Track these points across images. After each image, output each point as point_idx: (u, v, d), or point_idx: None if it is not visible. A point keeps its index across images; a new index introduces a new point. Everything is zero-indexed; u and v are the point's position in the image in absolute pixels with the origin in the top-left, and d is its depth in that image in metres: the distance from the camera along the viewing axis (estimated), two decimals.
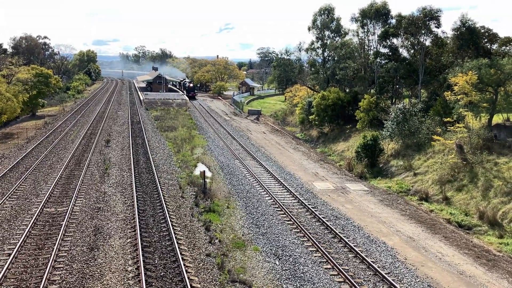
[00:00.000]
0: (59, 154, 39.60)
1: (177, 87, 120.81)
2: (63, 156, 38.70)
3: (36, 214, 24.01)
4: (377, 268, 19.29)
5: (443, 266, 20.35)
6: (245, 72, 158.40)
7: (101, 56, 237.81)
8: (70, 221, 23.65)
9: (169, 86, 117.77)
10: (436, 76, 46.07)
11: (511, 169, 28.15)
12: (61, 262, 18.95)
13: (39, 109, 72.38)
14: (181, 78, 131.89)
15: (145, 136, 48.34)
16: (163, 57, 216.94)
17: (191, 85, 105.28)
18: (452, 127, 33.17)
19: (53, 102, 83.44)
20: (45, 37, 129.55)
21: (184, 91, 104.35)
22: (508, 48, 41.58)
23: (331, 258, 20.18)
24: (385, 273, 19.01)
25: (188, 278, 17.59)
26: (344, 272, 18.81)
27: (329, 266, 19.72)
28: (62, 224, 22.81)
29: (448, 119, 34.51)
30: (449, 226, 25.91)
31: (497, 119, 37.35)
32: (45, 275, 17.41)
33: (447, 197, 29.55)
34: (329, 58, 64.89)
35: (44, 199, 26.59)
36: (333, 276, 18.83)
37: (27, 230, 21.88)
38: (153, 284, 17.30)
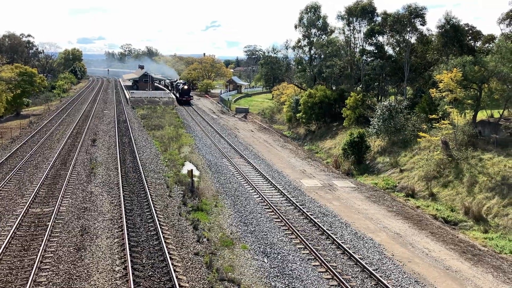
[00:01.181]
0: (45, 154, 39.15)
1: (169, 88, 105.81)
2: (49, 156, 38.27)
3: (21, 215, 23.71)
4: (365, 265, 19.43)
5: (429, 261, 20.57)
6: (232, 70, 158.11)
7: (87, 55, 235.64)
8: (56, 221, 23.41)
9: (155, 84, 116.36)
10: (421, 74, 46.54)
11: (495, 165, 28.54)
12: (48, 263, 18.76)
13: (24, 108, 71.47)
14: (172, 78, 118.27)
15: (131, 135, 48.02)
16: (149, 55, 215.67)
17: (186, 87, 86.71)
18: (438, 124, 33.50)
19: (38, 101, 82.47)
20: (29, 35, 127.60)
21: (177, 94, 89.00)
22: (491, 45, 42.14)
23: (319, 255, 20.28)
24: (373, 270, 19.16)
25: (176, 277, 17.54)
26: (332, 269, 18.91)
27: (317, 263, 19.82)
28: (48, 224, 22.57)
29: (434, 116, 34.86)
30: (435, 222, 26.20)
31: (482, 115, 37.83)
32: (31, 276, 17.22)
33: (433, 193, 29.86)
34: (316, 56, 65.08)
35: (30, 200, 26.27)
36: (321, 273, 18.92)
37: (12, 231, 21.59)
38: (141, 284, 17.22)
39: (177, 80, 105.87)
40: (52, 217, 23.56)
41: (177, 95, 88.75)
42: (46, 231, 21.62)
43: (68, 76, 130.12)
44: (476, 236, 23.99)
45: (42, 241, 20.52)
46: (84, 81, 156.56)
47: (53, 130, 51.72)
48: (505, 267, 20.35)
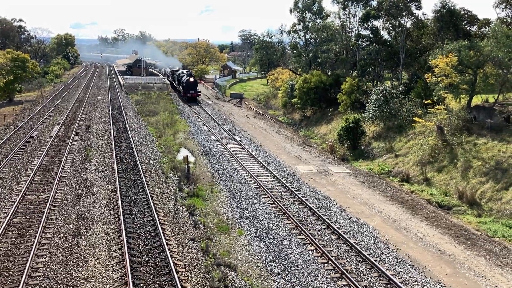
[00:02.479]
0: (39, 141, 38.97)
1: (169, 79, 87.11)
2: (43, 143, 38.10)
3: (17, 202, 23.68)
4: (360, 249, 19.62)
5: (423, 245, 20.80)
6: (226, 55, 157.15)
7: (79, 40, 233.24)
8: (52, 208, 23.41)
9: (149, 69, 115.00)
10: (417, 58, 46.48)
11: (489, 149, 28.72)
12: (44, 250, 18.80)
13: (17, 94, 70.87)
14: (174, 66, 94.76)
15: (126, 121, 47.82)
16: (143, 40, 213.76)
17: (191, 79, 67.44)
18: (433, 109, 33.59)
19: (31, 87, 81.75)
20: (21, 20, 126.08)
21: (179, 87, 71.81)
22: (487, 29, 42.07)
23: (314, 240, 20.43)
24: (368, 254, 19.34)
25: (173, 262, 17.64)
26: (328, 254, 19.08)
27: (312, 248, 19.98)
28: (44, 211, 22.57)
29: (429, 101, 34.92)
30: (429, 206, 26.42)
31: (476, 100, 37.95)
32: (28, 263, 17.26)
33: (427, 178, 30.07)
34: (311, 40, 64.81)
35: (25, 186, 26.22)
36: (316, 258, 19.09)
37: (8, 218, 21.58)
38: (138, 269, 17.32)
39: (179, 69, 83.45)
40: (48, 203, 23.55)
41: (180, 88, 71.28)
42: (42, 218, 21.63)
43: (61, 61, 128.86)
44: (470, 220, 24.24)
45: (38, 228, 20.53)
46: (77, 67, 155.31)
47: (46, 116, 51.40)
48: (498, 250, 20.61)
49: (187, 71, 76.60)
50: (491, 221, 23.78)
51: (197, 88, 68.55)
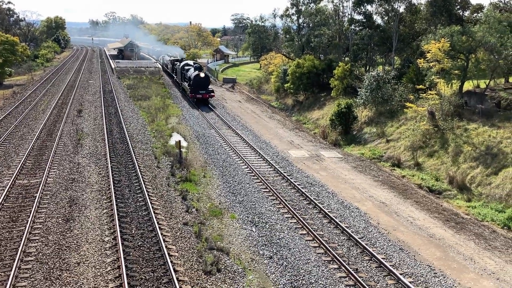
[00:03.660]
0: (30, 125, 38.68)
1: (168, 71, 75.49)
2: (34, 127, 37.83)
3: (8, 186, 23.58)
4: (351, 233, 19.83)
5: (414, 229, 21.06)
6: (219, 39, 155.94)
7: (70, 23, 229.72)
8: (44, 192, 23.36)
9: (141, 53, 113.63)
10: (409, 44, 46.41)
11: (480, 135, 28.96)
12: (37, 234, 18.81)
13: (6, 78, 70.00)
14: (174, 55, 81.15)
15: (118, 106, 47.54)
16: (135, 23, 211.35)
17: (202, 75, 51.29)
18: (425, 94, 33.68)
19: (21, 70, 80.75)
20: (9, 2, 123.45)
21: (185, 85, 55.57)
22: (479, 15, 42.06)
23: (306, 224, 20.61)
24: (359, 238, 19.57)
25: (166, 247, 17.74)
26: (319, 237, 19.28)
27: (304, 232, 20.17)
28: (36, 196, 22.51)
29: (421, 86, 34.99)
30: (420, 191, 26.69)
31: (468, 86, 38.09)
32: (20, 247, 17.28)
33: (418, 163, 30.30)
34: (304, 25, 64.41)
35: (16, 171, 26.09)
36: (308, 242, 19.29)
37: None
38: (131, 253, 17.40)
39: (183, 60, 68.45)
40: (40, 188, 23.49)
41: (184, 85, 55.44)
42: (34, 203, 21.59)
43: (51, 45, 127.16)
44: (460, 205, 24.55)
45: (30, 213, 20.51)
46: (68, 50, 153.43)
47: (37, 100, 50.93)
48: (487, 234, 20.93)
49: (194, 63, 58.45)
50: (480, 205, 24.09)
51: (209, 87, 51.46)
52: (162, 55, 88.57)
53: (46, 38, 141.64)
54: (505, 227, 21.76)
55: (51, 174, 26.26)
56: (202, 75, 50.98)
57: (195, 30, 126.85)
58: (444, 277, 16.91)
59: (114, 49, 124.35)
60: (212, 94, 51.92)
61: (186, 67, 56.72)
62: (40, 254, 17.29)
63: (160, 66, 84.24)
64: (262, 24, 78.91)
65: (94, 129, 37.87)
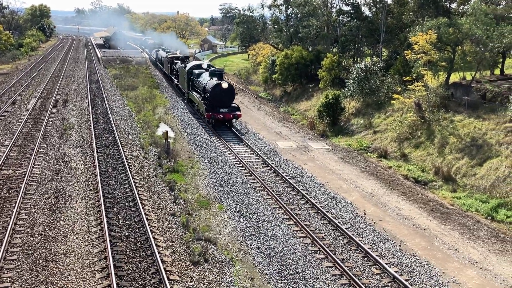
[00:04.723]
0: (14, 115, 38.14)
1: (163, 69, 62.73)
2: (19, 117, 37.31)
3: None
4: (337, 223, 19.99)
5: (400, 220, 21.30)
6: (207, 29, 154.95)
7: (55, 11, 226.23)
8: (29, 183, 23.11)
9: (128, 43, 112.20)
10: (397, 35, 46.59)
11: (465, 126, 29.29)
12: (22, 225, 18.63)
13: None
14: (170, 50, 64.92)
15: (104, 96, 47.06)
16: (122, 12, 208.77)
17: (225, 85, 35.08)
18: (411, 86, 33.92)
19: (5, 59, 79.41)
20: None
21: (196, 96, 39.27)
22: (466, 7, 42.31)
23: (293, 214, 20.71)
24: (345, 228, 19.73)
25: (153, 237, 17.71)
26: (306, 228, 19.40)
27: (291, 222, 20.28)
28: (21, 186, 22.27)
29: (408, 78, 35.22)
30: (406, 182, 26.96)
31: (454, 78, 38.42)
32: (6, 238, 17.11)
33: (405, 154, 30.57)
34: (292, 15, 64.26)
35: (1, 161, 25.75)
36: (295, 232, 19.40)
37: None
38: (118, 244, 17.34)
39: (187, 58, 52.32)
40: (25, 179, 23.23)
41: (195, 97, 39.35)
42: (19, 193, 21.36)
43: (36, 33, 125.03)
44: (445, 195, 24.86)
45: (15, 203, 20.29)
46: (53, 39, 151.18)
47: (22, 90, 50.19)
48: (471, 224, 21.26)
49: (208, 66, 42.52)
50: (465, 196, 24.44)
51: (233, 103, 36.08)
52: (156, 49, 73.91)
53: (31, 27, 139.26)
54: (488, 217, 22.13)
55: (37, 165, 25.98)
56: (224, 85, 34.51)
57: (182, 19, 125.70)
58: (429, 266, 17.16)
59: (100, 38, 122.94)
60: (238, 113, 35.49)
61: (197, 71, 40.74)
62: (26, 245, 17.15)
63: (147, 56, 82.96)
64: (251, 14, 78.48)
65: (80, 119, 37.48)
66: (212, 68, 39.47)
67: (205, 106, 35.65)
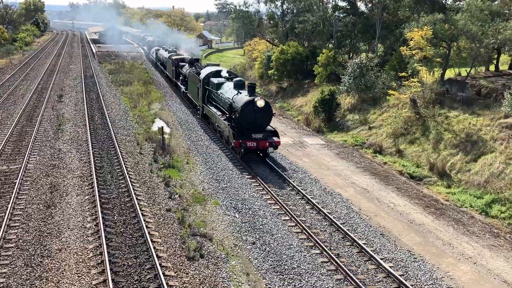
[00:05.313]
0: (9, 110, 37.93)
1: (171, 76, 50.71)
2: (13, 112, 37.11)
3: None
4: (333, 219, 20.04)
5: (395, 215, 21.39)
6: (202, 24, 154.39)
7: (50, 6, 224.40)
8: (24, 179, 23.02)
9: (123, 38, 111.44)
10: (392, 31, 46.55)
11: (460, 122, 29.39)
12: (17, 221, 18.57)
13: None
14: (172, 50, 56.41)
15: (99, 91, 46.88)
16: (117, 7, 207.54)
17: (261, 103, 26.42)
18: (407, 82, 33.97)
19: None
20: None
21: (220, 118, 29.58)
22: (462, 3, 42.35)
23: (289, 210, 20.75)
24: (340, 223, 19.79)
25: (149, 233, 17.71)
26: (302, 223, 19.44)
27: (287, 218, 20.31)
28: (15, 182, 22.18)
29: (403, 74, 35.25)
30: (401, 177, 27.05)
31: (449, 74, 38.51)
32: (0, 233, 17.05)
33: (400, 149, 30.66)
34: (288, 11, 64.09)
35: None
36: (291, 227, 19.44)
37: None
38: (113, 240, 17.32)
39: (197, 61, 43.84)
40: (20, 174, 23.14)
41: (216, 115, 30.89)
42: (14, 189, 21.27)
43: (30, 28, 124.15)
44: (440, 191, 24.97)
45: (10, 199, 20.21)
46: (47, 34, 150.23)
47: (16, 85, 49.90)
48: (465, 220, 21.38)
49: (230, 74, 33.73)
50: (459, 191, 24.55)
51: (269, 125, 28.29)
52: (156, 48, 66.31)
53: (25, 21, 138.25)
54: (482, 213, 22.25)
55: (32, 160, 25.87)
56: (260, 103, 26.34)
57: (178, 14, 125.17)
58: (424, 261, 17.25)
59: (95, 33, 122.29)
60: (277, 139, 27.33)
61: (215, 81, 31.97)
62: (21, 240, 17.10)
63: (142, 51, 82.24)
64: (246, 9, 78.21)
65: (75, 114, 37.33)
66: (238, 78, 31.21)
67: (232, 130, 27.16)
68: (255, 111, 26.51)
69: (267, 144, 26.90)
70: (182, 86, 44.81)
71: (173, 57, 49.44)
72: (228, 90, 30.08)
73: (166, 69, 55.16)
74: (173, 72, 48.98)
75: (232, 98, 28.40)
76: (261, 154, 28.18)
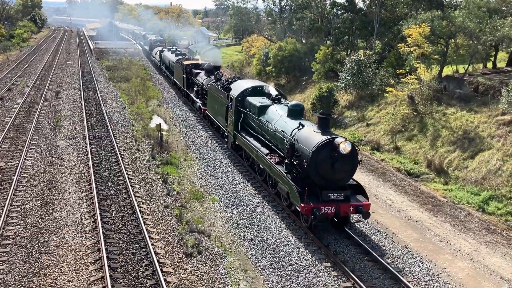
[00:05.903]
0: (6, 106, 37.83)
1: (179, 82, 43.96)
2: (11, 109, 37.02)
3: None
4: None
5: (392, 212, 21.44)
6: (200, 21, 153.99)
7: (47, 2, 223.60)
8: (21, 175, 22.99)
9: (120, 34, 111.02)
10: (390, 28, 46.56)
11: (458, 119, 29.43)
12: (14, 217, 18.55)
13: None
14: (178, 50, 52.13)
15: (97, 87, 46.78)
16: (114, 3, 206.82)
17: (346, 146, 16.82)
18: (405, 79, 33.96)
19: None
20: None
21: (271, 160, 20.27)
22: (459, 0, 42.33)
23: (286, 207, 20.75)
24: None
25: (147, 229, 17.72)
26: (300, 220, 19.45)
27: (285, 215, 20.34)
28: (13, 179, 22.15)
29: (401, 70, 35.25)
30: (398, 174, 27.11)
31: (447, 71, 38.52)
32: None
33: (397, 146, 30.70)
34: (286, 7, 64.05)
35: None
36: (288, 224, 19.46)
37: None
38: (111, 236, 17.33)
39: (218, 68, 35.85)
40: (17, 171, 23.10)
41: (269, 160, 20.47)
42: (11, 186, 21.25)
43: (27, 24, 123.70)
44: (437, 188, 25.03)
45: (7, 196, 20.19)
46: (45, 30, 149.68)
47: (14, 81, 49.75)
48: (462, 216, 21.45)
49: (281, 96, 24.43)
50: (457, 188, 24.61)
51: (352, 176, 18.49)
52: (159, 49, 59.97)
53: (22, 17, 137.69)
54: (479, 210, 22.31)
55: (29, 157, 25.83)
56: (345, 147, 16.98)
57: (175, 11, 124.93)
58: (421, 258, 17.31)
59: (93, 29, 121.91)
60: (366, 202, 18.33)
61: (257, 102, 23.41)
62: (18, 237, 17.09)
63: (140, 48, 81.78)
64: (244, 6, 78.26)
65: (73, 111, 37.26)
66: (295, 102, 21.48)
67: (295, 185, 17.98)
68: (335, 159, 17.14)
69: (351, 208, 17.78)
70: (197, 100, 36.30)
71: (184, 62, 41.12)
72: (279, 118, 21.22)
73: (173, 75, 48.14)
74: (183, 80, 41.04)
75: (292, 134, 19.18)
76: (335, 219, 18.61)
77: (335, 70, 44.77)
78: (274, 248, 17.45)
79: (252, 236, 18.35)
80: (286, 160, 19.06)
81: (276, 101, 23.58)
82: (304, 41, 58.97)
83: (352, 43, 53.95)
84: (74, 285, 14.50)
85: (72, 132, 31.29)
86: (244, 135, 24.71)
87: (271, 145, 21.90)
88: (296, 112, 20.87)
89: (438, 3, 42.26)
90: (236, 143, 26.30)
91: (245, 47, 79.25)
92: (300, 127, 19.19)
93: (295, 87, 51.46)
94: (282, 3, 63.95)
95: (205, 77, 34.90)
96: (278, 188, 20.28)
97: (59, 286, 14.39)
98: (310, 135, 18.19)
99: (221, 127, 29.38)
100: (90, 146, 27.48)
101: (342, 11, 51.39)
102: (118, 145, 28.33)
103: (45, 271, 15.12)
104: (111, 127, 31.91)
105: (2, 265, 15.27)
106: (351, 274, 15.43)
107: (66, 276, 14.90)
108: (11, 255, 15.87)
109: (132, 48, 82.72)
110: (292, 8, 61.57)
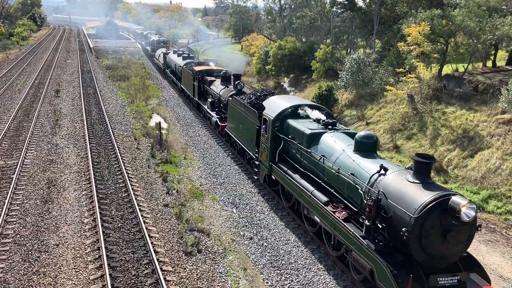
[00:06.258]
0: (5, 105, 37.81)
1: (189, 91, 39.07)
2: (10, 107, 37.00)
3: None
4: None
5: None
6: (200, 19, 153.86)
7: (46, 0, 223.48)
8: (21, 174, 22.99)
9: (120, 32, 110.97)
10: (390, 27, 46.56)
11: (457, 118, 29.44)
12: (14, 216, 18.56)
13: None
14: (186, 55, 46.97)
15: (96, 86, 46.77)
16: (113, 2, 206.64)
17: (469, 211, 10.92)
18: (404, 78, 33.97)
19: None
20: None
21: (337, 224, 14.16)
22: None
23: (286, 206, 20.76)
24: None
25: (146, 228, 17.73)
26: (299, 219, 19.46)
27: (284, 213, 20.36)
28: (12, 177, 22.14)
29: (401, 69, 35.26)
30: None
31: (447, 69, 38.53)
32: None
33: (397, 145, 30.71)
34: (286, 6, 64.06)
35: None
36: (288, 222, 19.48)
37: None
38: (111, 235, 17.34)
39: (238, 77, 29.08)
40: (17, 169, 23.10)
41: (359, 250, 12.90)
42: (11, 184, 21.24)
43: (27, 22, 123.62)
44: None
45: (7, 194, 20.18)
46: (44, 29, 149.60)
47: (13, 80, 49.72)
48: None
49: (330, 117, 19.73)
50: (456, 187, 24.61)
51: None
52: (163, 51, 55.85)
53: (21, 16, 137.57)
54: (479, 208, 22.33)
55: (29, 155, 25.83)
56: (468, 211, 11.00)
57: (175, 10, 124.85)
58: None
59: (92, 28, 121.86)
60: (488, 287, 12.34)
61: (305, 128, 17.66)
62: (18, 236, 17.10)
63: (140, 46, 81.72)
64: (244, 4, 78.15)
65: (73, 109, 37.26)
66: (364, 133, 15.39)
67: (387, 264, 11.78)
68: (449, 227, 11.52)
69: None
70: (213, 114, 30.76)
71: (195, 68, 36.07)
72: (341, 153, 15.49)
73: (181, 82, 42.65)
74: (194, 88, 36.00)
75: (371, 182, 13.48)
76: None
77: (335, 68, 44.78)
78: (274, 247, 17.47)
79: (251, 235, 18.37)
80: (366, 222, 12.94)
81: (330, 126, 17.79)
82: (304, 40, 58.97)
83: (352, 42, 53.97)
84: (74, 283, 14.51)
85: (71, 130, 31.28)
86: (285, 169, 18.85)
87: (328, 188, 16.03)
88: (367, 147, 14.92)
89: (438, 1, 42.27)
90: (273, 177, 20.46)
91: (245, 45, 79.23)
92: (383, 171, 13.22)
93: (294, 86, 51.49)
94: (282, 1, 63.97)
95: (222, 86, 30.07)
96: (349, 258, 14.26)
97: (58, 285, 14.41)
98: (407, 189, 12.19)
99: (247, 151, 23.92)
100: (89, 145, 27.48)
101: (342, 10, 51.38)
102: (118, 143, 28.33)
103: (45, 269, 15.12)
104: (110, 126, 31.91)
105: (2, 263, 15.27)
106: None
107: (65, 275, 14.91)
108: (11, 254, 15.88)
109: (132, 47, 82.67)
110: (292, 6, 61.59)
